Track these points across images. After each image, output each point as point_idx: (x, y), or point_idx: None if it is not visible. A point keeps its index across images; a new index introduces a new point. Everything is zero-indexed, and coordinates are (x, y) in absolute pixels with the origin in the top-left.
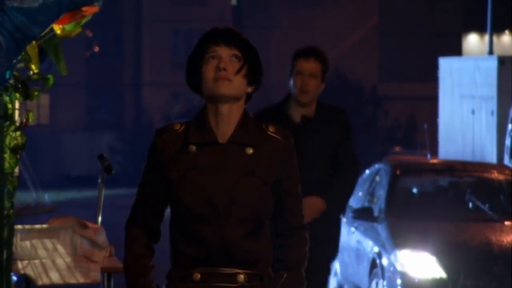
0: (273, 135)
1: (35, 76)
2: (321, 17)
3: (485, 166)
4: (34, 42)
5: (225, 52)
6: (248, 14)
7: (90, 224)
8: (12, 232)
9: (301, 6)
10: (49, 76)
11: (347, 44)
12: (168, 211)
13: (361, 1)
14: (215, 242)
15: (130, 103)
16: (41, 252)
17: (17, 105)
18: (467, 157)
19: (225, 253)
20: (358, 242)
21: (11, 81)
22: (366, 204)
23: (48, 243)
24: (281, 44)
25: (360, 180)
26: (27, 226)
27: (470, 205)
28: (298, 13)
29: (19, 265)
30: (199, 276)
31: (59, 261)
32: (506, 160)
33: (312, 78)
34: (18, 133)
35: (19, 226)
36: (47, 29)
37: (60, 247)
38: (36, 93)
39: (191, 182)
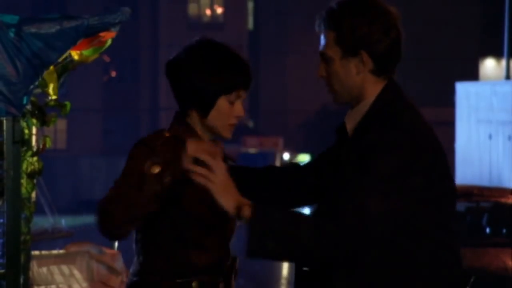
0: None
1: (52, 103)
2: None
3: (502, 191)
4: (51, 67)
5: (244, 98)
6: (265, 39)
7: (107, 250)
8: (29, 258)
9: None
10: (66, 102)
11: None
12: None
13: None
14: (220, 251)
15: (147, 128)
16: (58, 278)
17: (34, 130)
18: (484, 182)
19: (228, 262)
20: None
21: (28, 107)
22: None
23: (65, 268)
24: (298, 69)
25: None
26: (44, 252)
27: (488, 230)
28: (315, 37)
29: None
30: (197, 285)
31: (76, 286)
32: None
33: (323, 62)
34: (35, 158)
35: (36, 252)
36: (65, 55)
37: (76, 273)
38: (53, 119)
39: (196, 188)
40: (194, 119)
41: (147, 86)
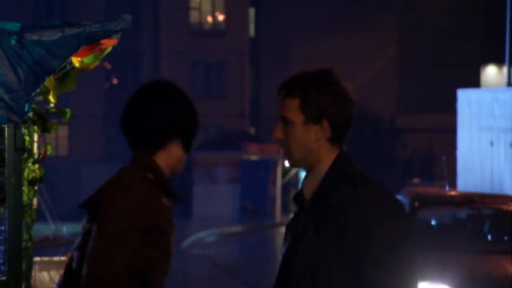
0: None
1: (53, 110)
2: (340, 48)
3: (504, 198)
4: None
5: None
6: (266, 46)
7: None
8: (30, 265)
9: (319, 38)
10: (67, 109)
11: (366, 75)
12: None
13: (379, 33)
14: None
15: None
16: None
17: (35, 137)
18: (486, 189)
19: None
20: None
21: (30, 114)
22: None
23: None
24: None
25: None
26: (46, 259)
27: (489, 237)
28: (317, 44)
29: None
30: None
31: None
32: None
33: (281, 124)
34: (36, 165)
35: (37, 259)
36: (66, 62)
37: None
38: (54, 126)
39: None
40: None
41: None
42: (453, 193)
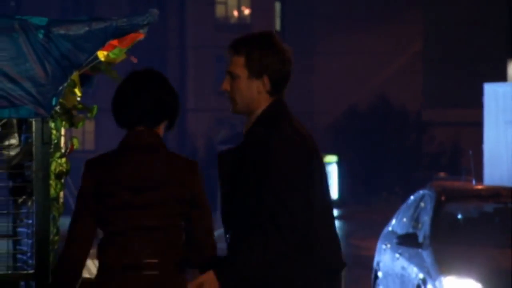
0: None
1: (80, 106)
2: (365, 42)
3: None
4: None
5: None
6: (291, 39)
7: None
8: (57, 258)
9: (344, 32)
10: (94, 106)
11: (392, 69)
12: None
13: (405, 26)
14: None
15: (174, 129)
16: (86, 276)
17: (62, 131)
18: None
19: None
20: (403, 268)
21: (57, 108)
22: (411, 230)
23: (92, 266)
24: (325, 70)
25: (404, 206)
26: None
27: None
28: (342, 38)
29: None
30: None
31: None
32: None
33: (228, 78)
34: (63, 159)
35: None
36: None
37: None
38: (81, 121)
39: None
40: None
41: (174, 88)
42: (479, 187)
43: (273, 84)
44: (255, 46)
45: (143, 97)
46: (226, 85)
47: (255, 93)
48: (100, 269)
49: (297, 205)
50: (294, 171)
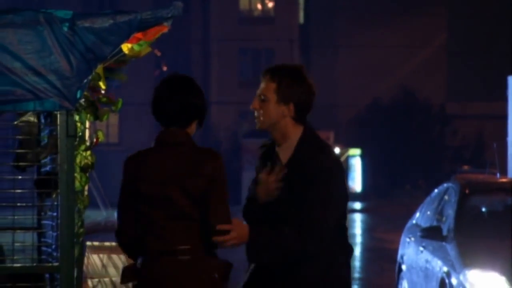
0: None
1: (104, 99)
2: (389, 35)
3: None
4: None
5: None
6: (315, 33)
7: None
8: (82, 251)
9: (369, 25)
10: (119, 99)
11: (416, 62)
12: None
13: (429, 20)
14: None
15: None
16: (111, 270)
17: (87, 124)
18: None
19: None
20: (427, 261)
21: (82, 101)
22: (435, 223)
23: (118, 261)
24: (348, 63)
25: (428, 199)
26: (97, 244)
27: None
28: (366, 31)
29: (90, 283)
30: None
31: None
32: None
33: (258, 99)
34: (88, 152)
35: (89, 243)
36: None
37: None
38: (106, 114)
39: None
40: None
41: (198, 80)
42: (503, 179)
43: (297, 111)
44: (287, 76)
45: (173, 101)
46: (255, 104)
47: (280, 116)
48: (141, 255)
49: (333, 220)
50: (344, 190)
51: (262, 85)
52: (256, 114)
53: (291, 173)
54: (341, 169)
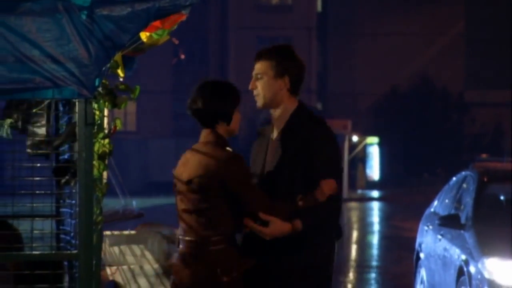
0: None
1: (123, 87)
2: (408, 23)
3: None
4: None
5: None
6: (333, 21)
7: (177, 230)
8: (101, 239)
9: (387, 13)
10: (136, 86)
11: (434, 50)
12: None
13: (447, 7)
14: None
15: None
16: (130, 258)
17: (105, 112)
18: None
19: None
20: (445, 249)
21: (100, 89)
22: (453, 212)
23: (136, 249)
24: (366, 51)
25: (447, 187)
26: (116, 232)
27: None
28: (384, 19)
29: (108, 271)
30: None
31: (147, 267)
32: None
33: (255, 79)
34: (106, 140)
35: (107, 232)
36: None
37: (147, 253)
38: (124, 102)
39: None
40: (219, 129)
41: (216, 69)
42: None
43: (292, 83)
44: (279, 53)
45: (198, 106)
46: (254, 85)
47: (278, 89)
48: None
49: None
50: (339, 160)
51: (257, 66)
52: (255, 93)
53: (285, 141)
54: (334, 140)
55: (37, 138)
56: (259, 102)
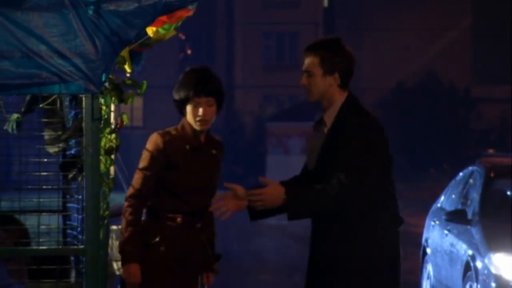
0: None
1: (129, 82)
2: (414, 18)
3: None
4: None
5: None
6: (340, 16)
7: None
8: (108, 233)
9: (393, 8)
10: (143, 81)
11: (440, 45)
12: None
13: (454, 2)
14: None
15: (222, 106)
16: None
17: (112, 107)
18: None
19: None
20: (452, 245)
21: (106, 84)
22: (460, 207)
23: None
24: (373, 46)
25: (453, 182)
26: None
27: None
28: (391, 14)
29: (115, 266)
30: (181, 220)
31: None
32: None
33: (306, 75)
34: (113, 135)
35: (114, 227)
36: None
37: None
38: (130, 97)
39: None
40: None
41: (222, 64)
42: None
43: (342, 79)
44: (328, 49)
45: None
46: (304, 81)
47: (328, 86)
48: None
49: (365, 178)
50: (383, 148)
51: (307, 61)
52: (306, 88)
53: (333, 136)
54: (377, 132)
55: (50, 134)
56: (310, 98)
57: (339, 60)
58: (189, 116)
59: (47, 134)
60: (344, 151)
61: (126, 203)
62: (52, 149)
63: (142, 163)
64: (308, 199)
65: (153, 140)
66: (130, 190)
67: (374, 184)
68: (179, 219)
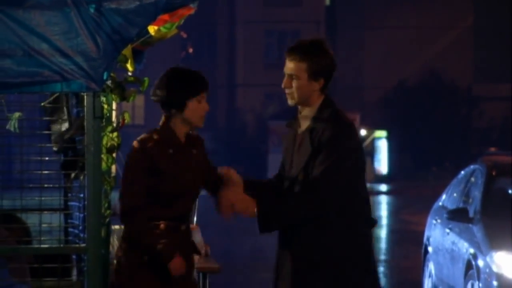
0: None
1: (131, 79)
2: (416, 17)
3: None
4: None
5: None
6: (342, 14)
7: None
8: (109, 232)
9: (395, 6)
10: (145, 78)
11: (442, 44)
12: None
13: (456, 0)
14: (183, 209)
15: (223, 104)
16: None
17: (114, 106)
18: None
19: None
20: (453, 243)
21: (108, 83)
22: (461, 205)
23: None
24: (375, 44)
25: (455, 181)
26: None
27: None
28: (392, 13)
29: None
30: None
31: None
32: None
33: (289, 79)
34: (115, 133)
35: (116, 226)
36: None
37: None
38: (132, 95)
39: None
40: (175, 118)
41: (223, 63)
42: None
43: (326, 83)
44: (314, 53)
45: (154, 92)
46: (287, 84)
47: (312, 91)
48: None
49: (337, 184)
50: (357, 154)
51: (291, 65)
52: (287, 91)
53: (309, 141)
54: (352, 138)
55: (54, 132)
56: (291, 101)
57: (325, 65)
58: (191, 113)
59: (53, 132)
60: (319, 157)
61: (129, 225)
62: (58, 147)
63: (130, 175)
64: (281, 213)
65: (136, 149)
66: (125, 208)
67: (348, 190)
68: (162, 226)
